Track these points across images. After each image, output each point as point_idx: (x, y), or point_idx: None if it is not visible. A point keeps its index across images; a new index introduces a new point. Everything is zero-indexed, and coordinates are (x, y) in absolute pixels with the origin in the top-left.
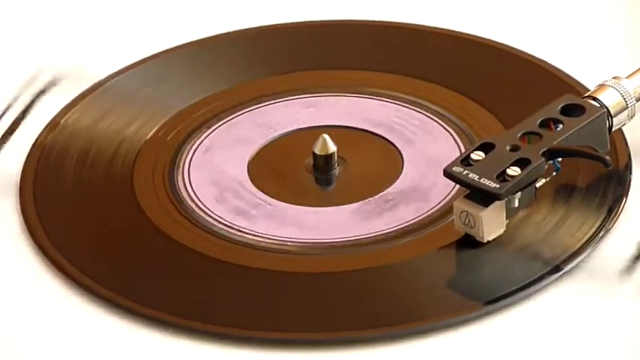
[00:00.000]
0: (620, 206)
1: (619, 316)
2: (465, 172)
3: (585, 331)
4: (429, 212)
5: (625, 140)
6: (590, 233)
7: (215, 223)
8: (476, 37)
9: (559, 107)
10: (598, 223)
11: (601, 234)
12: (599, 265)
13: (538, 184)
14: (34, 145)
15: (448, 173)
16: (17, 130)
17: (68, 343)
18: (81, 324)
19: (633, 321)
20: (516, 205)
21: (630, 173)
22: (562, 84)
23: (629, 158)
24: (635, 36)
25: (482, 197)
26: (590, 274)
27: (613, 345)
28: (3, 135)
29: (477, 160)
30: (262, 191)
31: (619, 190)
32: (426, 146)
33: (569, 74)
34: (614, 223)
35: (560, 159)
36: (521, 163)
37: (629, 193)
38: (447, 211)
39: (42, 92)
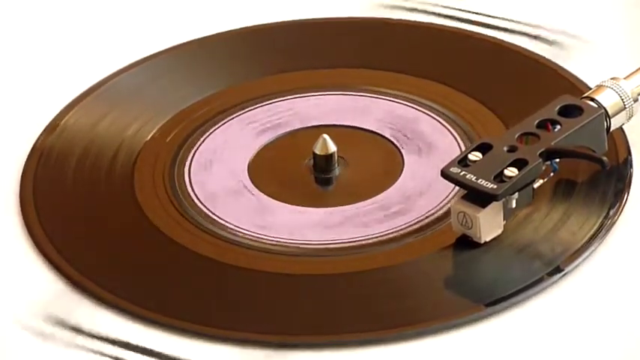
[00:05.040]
0: (621, 203)
1: (621, 316)
2: (463, 172)
3: (587, 331)
4: (429, 213)
5: (624, 136)
6: (592, 232)
7: (215, 223)
8: (477, 34)
9: (557, 108)
10: (600, 221)
11: (603, 232)
12: (601, 264)
13: (535, 185)
14: (33, 147)
15: (445, 174)
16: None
17: (67, 343)
18: (80, 324)
19: (635, 321)
20: (514, 205)
21: (630, 168)
22: (564, 82)
23: (629, 153)
24: (635, 36)
25: (480, 198)
26: (592, 273)
27: (615, 345)
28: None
29: (475, 161)
30: (262, 191)
31: (619, 187)
32: (427, 145)
33: (571, 72)
34: (616, 219)
35: (557, 160)
36: (519, 163)
37: (630, 188)
38: (447, 211)
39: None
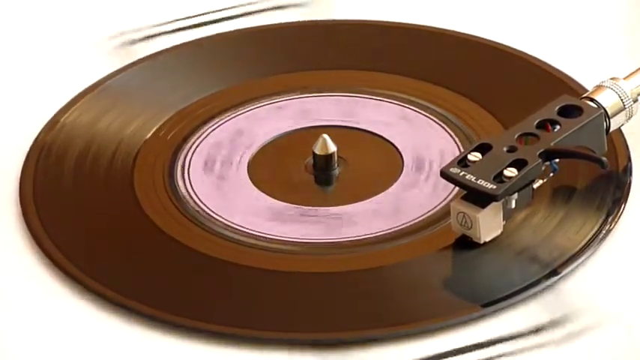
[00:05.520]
0: (619, 209)
1: (616, 321)
2: (462, 173)
3: (582, 334)
4: (428, 213)
5: (625, 142)
6: (589, 236)
7: (215, 222)
8: (476, 37)
9: (556, 108)
10: (597, 226)
11: (600, 237)
12: (597, 269)
13: (535, 186)
14: (34, 144)
15: (445, 174)
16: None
17: (67, 342)
18: (81, 323)
19: (629, 325)
20: (513, 206)
21: (630, 175)
22: (561, 84)
23: (629, 160)
24: (634, 36)
25: (479, 198)
26: (588, 277)
27: (610, 349)
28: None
29: (474, 161)
30: (262, 191)
31: (618, 193)
32: (426, 146)
33: (568, 75)
34: (614, 226)
35: (557, 160)
36: (519, 164)
37: (629, 195)
38: (446, 212)
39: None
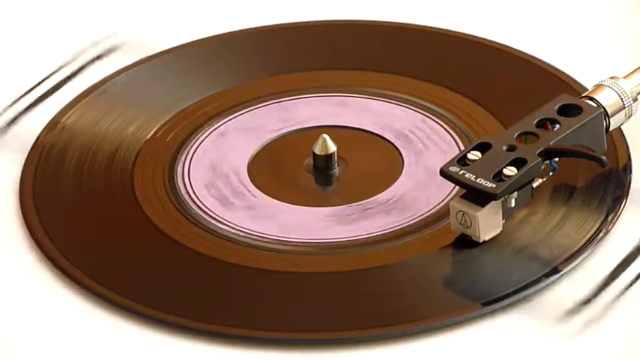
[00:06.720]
0: (619, 207)
1: (617, 317)
2: (462, 171)
3: (584, 331)
4: (429, 212)
5: (625, 140)
6: (589, 235)
7: (215, 223)
8: (476, 37)
9: (556, 107)
10: (597, 225)
11: (600, 235)
12: (597, 267)
13: (535, 184)
14: (34, 145)
15: (444, 173)
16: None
17: (67, 343)
18: (80, 324)
19: (632, 322)
20: (513, 205)
21: (630, 173)
22: (561, 84)
23: (629, 159)
24: (634, 36)
25: (479, 197)
26: (588, 276)
27: (612, 347)
28: (46, 92)
29: (474, 160)
30: (262, 191)
31: (618, 191)
32: (426, 146)
33: (568, 74)
34: (614, 224)
35: (556, 159)
36: (518, 163)
37: (629, 193)
38: (445, 211)
39: (98, 57)
